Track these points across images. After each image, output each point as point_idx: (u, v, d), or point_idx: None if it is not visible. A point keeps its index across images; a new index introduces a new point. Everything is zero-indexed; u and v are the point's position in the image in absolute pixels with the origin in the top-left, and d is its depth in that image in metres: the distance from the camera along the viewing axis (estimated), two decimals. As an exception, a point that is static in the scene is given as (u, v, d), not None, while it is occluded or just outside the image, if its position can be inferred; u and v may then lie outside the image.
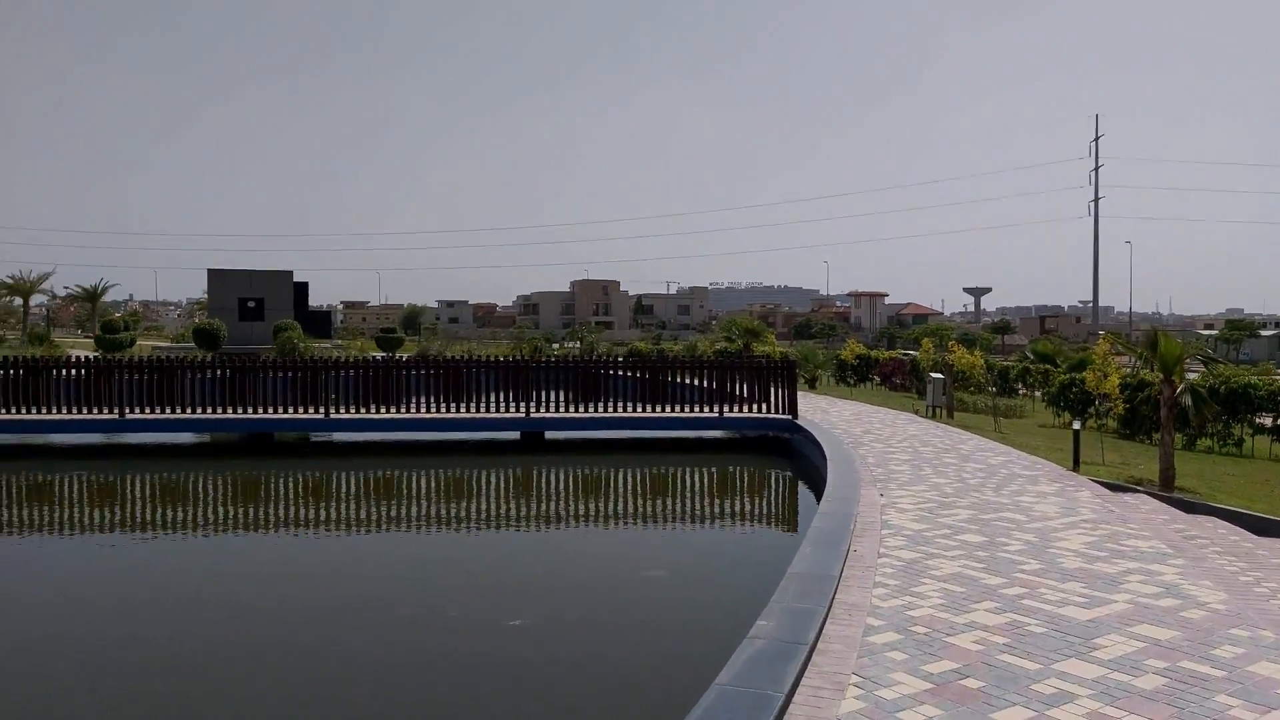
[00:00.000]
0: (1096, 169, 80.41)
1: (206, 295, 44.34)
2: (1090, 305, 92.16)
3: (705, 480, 16.25)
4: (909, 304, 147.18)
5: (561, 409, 17.94)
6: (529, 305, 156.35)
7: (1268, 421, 18.14)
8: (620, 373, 18.23)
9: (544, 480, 16.02)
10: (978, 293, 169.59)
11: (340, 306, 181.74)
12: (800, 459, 16.16)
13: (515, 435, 18.00)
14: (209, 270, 42.96)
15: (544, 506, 13.97)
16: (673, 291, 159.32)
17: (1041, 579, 6.82)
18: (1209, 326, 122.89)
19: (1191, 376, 14.29)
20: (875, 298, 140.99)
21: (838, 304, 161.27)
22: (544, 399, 18.06)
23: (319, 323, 45.73)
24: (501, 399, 17.90)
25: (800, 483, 14.90)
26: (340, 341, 60.39)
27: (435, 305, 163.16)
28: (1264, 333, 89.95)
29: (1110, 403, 14.89)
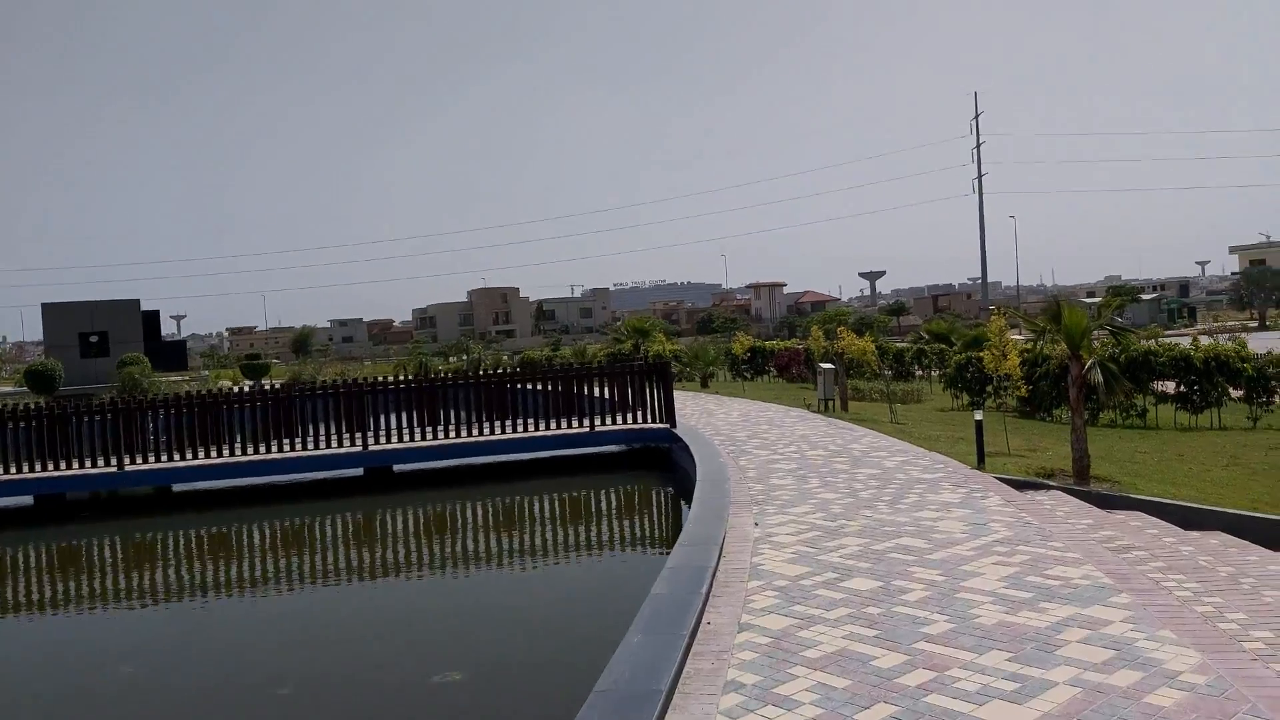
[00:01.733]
0: (978, 146, 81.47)
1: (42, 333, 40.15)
2: (980, 282, 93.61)
3: (566, 509, 14.20)
4: (806, 292, 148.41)
5: (406, 437, 15.62)
6: (425, 319, 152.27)
7: (1170, 389, 17.16)
8: (474, 393, 15.97)
9: (376, 523, 13.77)
10: (872, 276, 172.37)
11: (226, 334, 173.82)
12: (680, 473, 14.26)
13: (358, 471, 15.63)
14: (43, 305, 38.92)
15: (352, 558, 11.74)
16: (577, 295, 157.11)
17: (953, 649, 4.98)
18: (1091, 294, 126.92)
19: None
20: (774, 288, 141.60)
21: (738, 296, 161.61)
22: (388, 426, 15.76)
23: (172, 354, 41.96)
24: (338, 431, 15.49)
25: (682, 501, 13.02)
26: (204, 373, 56.35)
27: (328, 325, 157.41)
28: (1144, 297, 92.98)
29: (1012, 384, 13.41)
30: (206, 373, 56.21)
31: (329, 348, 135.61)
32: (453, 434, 15.52)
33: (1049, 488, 10.31)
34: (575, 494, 14.95)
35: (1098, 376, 10.86)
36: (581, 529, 12.88)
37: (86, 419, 14.89)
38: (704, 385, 27.95)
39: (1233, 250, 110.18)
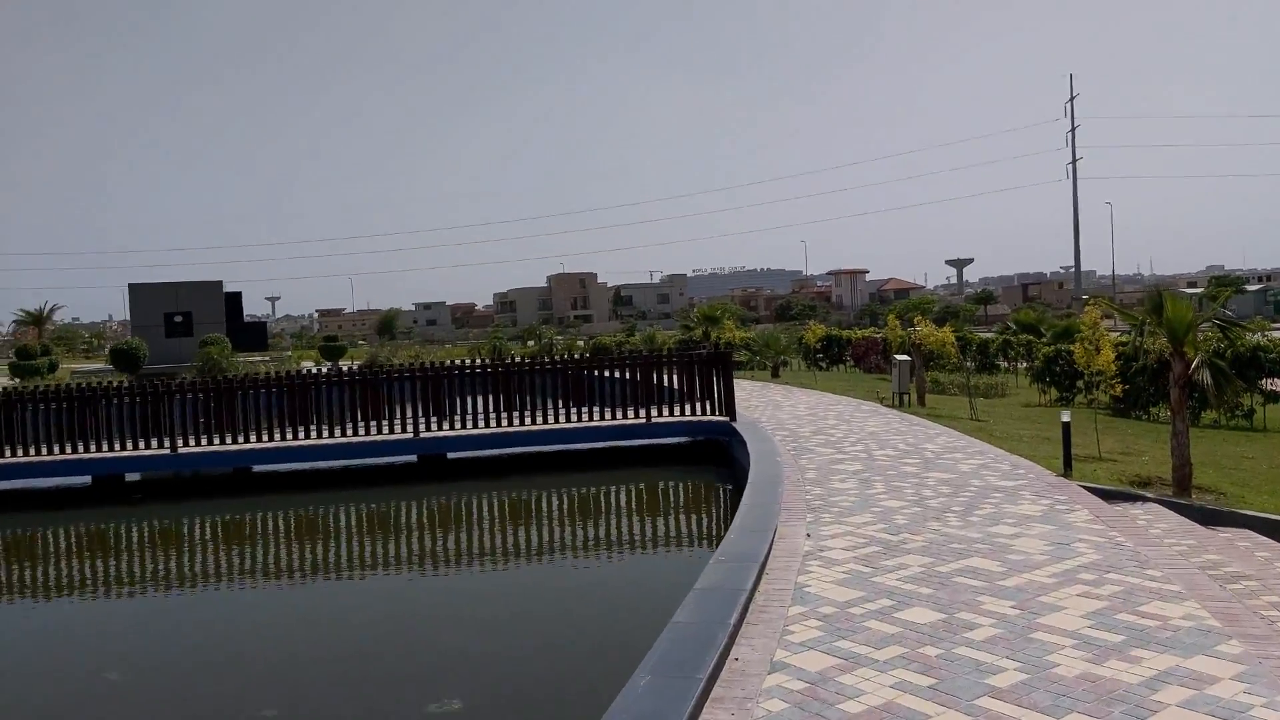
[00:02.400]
0: (1073, 130, 77.63)
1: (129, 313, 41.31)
2: (1072, 270, 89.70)
3: (609, 505, 13.54)
4: (890, 279, 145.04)
5: (468, 424, 15.18)
6: (506, 303, 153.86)
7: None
8: (540, 379, 15.48)
9: (408, 515, 13.37)
10: (959, 264, 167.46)
11: (316, 315, 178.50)
12: (739, 469, 13.47)
13: (412, 458, 15.25)
14: (129, 285, 40.01)
15: (385, 550, 11.29)
16: (656, 280, 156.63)
17: (1023, 709, 4.15)
18: (1192, 285, 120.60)
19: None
20: (856, 275, 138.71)
21: (818, 284, 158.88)
22: (457, 412, 15.37)
23: (254, 335, 42.73)
24: (389, 416, 15.14)
25: (737, 501, 12.26)
26: (286, 353, 57.47)
27: (412, 308, 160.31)
28: (1249, 288, 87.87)
29: (1105, 381, 12.25)
30: (290, 353, 57.38)
31: (412, 330, 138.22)
32: (509, 422, 15.04)
33: (1145, 499, 9.24)
34: (623, 489, 14.31)
35: (1206, 376, 9.70)
36: (625, 528, 12.23)
37: (125, 401, 14.85)
38: (775, 375, 27.01)
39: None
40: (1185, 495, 9.55)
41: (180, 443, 14.60)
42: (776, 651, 4.99)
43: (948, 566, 6.49)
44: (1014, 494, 8.87)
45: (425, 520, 13.21)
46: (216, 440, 14.85)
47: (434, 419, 15.06)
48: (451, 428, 14.98)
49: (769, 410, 17.31)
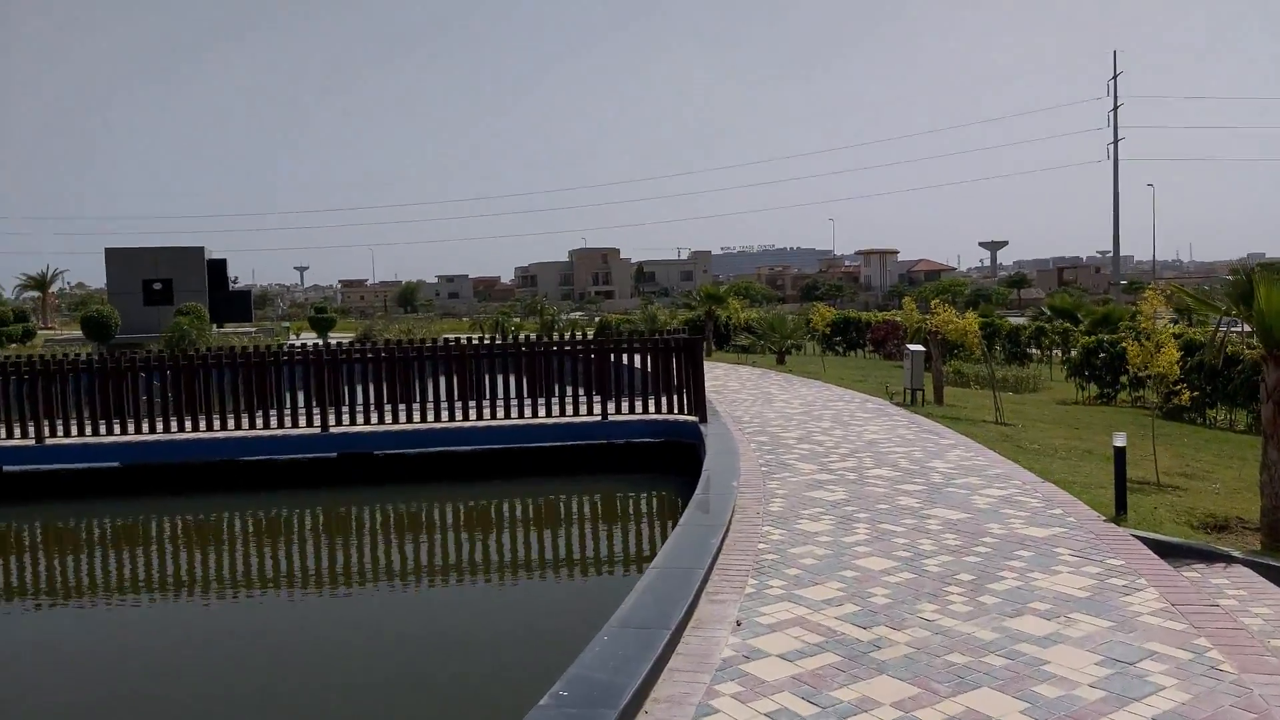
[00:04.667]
0: (1115, 109, 73.31)
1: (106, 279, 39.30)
2: (1109, 255, 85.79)
3: (543, 522, 11.16)
4: (921, 260, 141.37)
5: (387, 418, 12.77)
6: (527, 277, 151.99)
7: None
8: (490, 364, 12.94)
9: (289, 528, 11.00)
10: (993, 246, 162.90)
11: (339, 286, 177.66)
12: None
13: (331, 455, 12.89)
14: (107, 250, 37.90)
15: (256, 565, 8.95)
16: (683, 257, 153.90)
17: None
18: (1234, 271, 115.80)
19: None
20: (885, 255, 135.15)
21: (846, 263, 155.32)
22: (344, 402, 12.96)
23: (238, 305, 40.64)
24: (304, 406, 12.78)
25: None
26: (284, 324, 55.48)
27: (435, 281, 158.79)
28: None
29: (1163, 384, 9.62)
30: (287, 324, 55.40)
31: (433, 303, 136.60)
32: (435, 417, 12.63)
33: (1229, 559, 6.68)
34: (561, 500, 11.90)
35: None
36: (542, 551, 9.82)
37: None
38: (780, 361, 24.42)
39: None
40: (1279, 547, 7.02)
41: (49, 431, 12.34)
42: None
43: (942, 705, 4.00)
44: (1048, 551, 6.33)
45: (303, 533, 10.91)
46: (103, 430, 12.57)
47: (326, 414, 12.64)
48: (354, 422, 12.59)
49: (758, 405, 14.79)
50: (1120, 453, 7.32)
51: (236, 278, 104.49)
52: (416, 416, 12.74)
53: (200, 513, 11.76)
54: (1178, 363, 9.31)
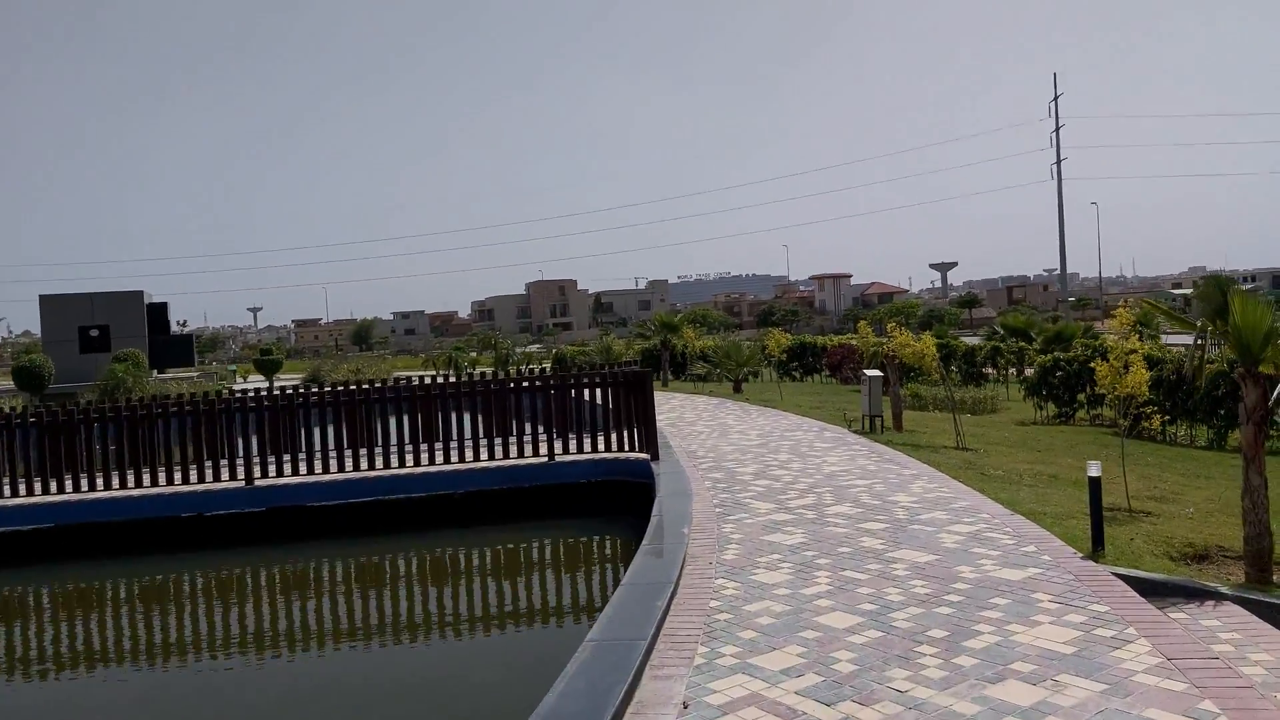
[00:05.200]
0: (1057, 129, 74.63)
1: (40, 328, 37.81)
2: (1056, 273, 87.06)
3: (485, 578, 10.44)
4: (873, 283, 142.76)
5: (320, 468, 11.95)
6: (484, 311, 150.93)
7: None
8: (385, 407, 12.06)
9: (187, 589, 10.14)
10: (943, 268, 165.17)
11: (292, 326, 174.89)
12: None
13: (260, 509, 12.00)
14: (40, 297, 36.49)
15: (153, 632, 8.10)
16: (641, 287, 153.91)
17: None
18: (1177, 286, 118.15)
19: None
20: (838, 279, 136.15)
21: (801, 289, 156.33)
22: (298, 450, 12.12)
23: (179, 349, 39.30)
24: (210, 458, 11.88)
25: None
26: (230, 367, 54.05)
27: (390, 317, 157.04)
28: (1244, 287, 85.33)
29: (1135, 407, 9.22)
30: (233, 366, 53.92)
31: (388, 339, 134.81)
32: (369, 465, 11.84)
33: (1218, 597, 6.18)
34: (504, 551, 11.17)
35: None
36: (478, 615, 9.10)
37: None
38: (737, 389, 23.93)
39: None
40: (1266, 578, 6.56)
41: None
42: None
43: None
44: (1026, 598, 5.78)
45: (203, 596, 10.06)
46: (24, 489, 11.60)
47: (280, 460, 11.82)
48: (295, 471, 11.75)
49: (714, 438, 14.21)
50: (1095, 483, 6.82)
51: (185, 321, 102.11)
52: (346, 465, 11.94)
53: (93, 579, 10.81)
54: (1147, 382, 8.89)
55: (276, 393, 12.29)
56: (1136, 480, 10.34)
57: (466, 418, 12.24)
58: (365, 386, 12.13)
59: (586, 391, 12.60)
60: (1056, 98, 73.45)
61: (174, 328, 43.97)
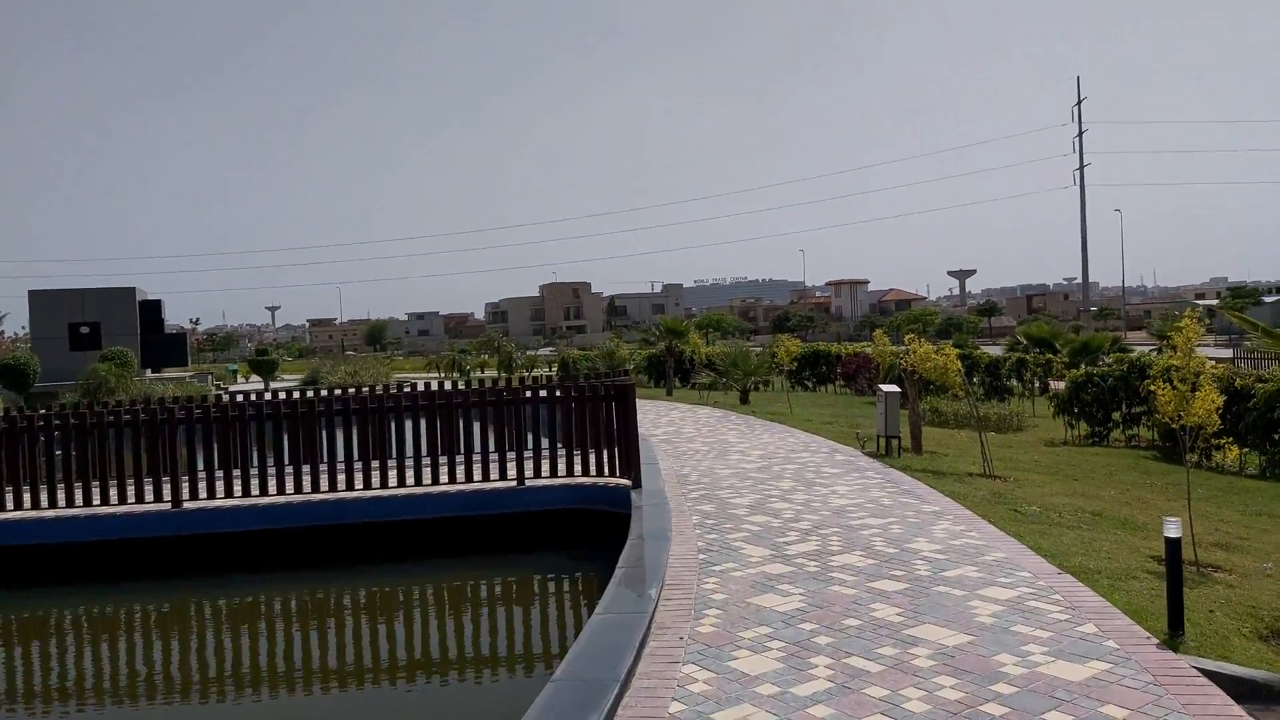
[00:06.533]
0: (1080, 135, 72.73)
1: (29, 323, 36.79)
2: (1078, 282, 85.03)
3: (429, 626, 9.02)
4: (891, 290, 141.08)
5: (258, 488, 10.57)
6: (497, 313, 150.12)
7: None
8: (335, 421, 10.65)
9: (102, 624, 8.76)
10: (962, 275, 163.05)
11: (307, 325, 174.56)
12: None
13: (186, 534, 10.62)
14: (30, 292, 35.40)
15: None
16: (657, 290, 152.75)
17: None
18: (1200, 296, 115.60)
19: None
20: (855, 285, 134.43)
21: (817, 294, 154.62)
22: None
23: (173, 348, 38.14)
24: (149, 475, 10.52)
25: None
26: (230, 367, 52.98)
27: (404, 318, 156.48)
28: (1267, 299, 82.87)
29: (1205, 438, 7.73)
30: (234, 367, 52.81)
31: (401, 340, 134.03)
32: (313, 488, 10.44)
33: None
34: (461, 591, 9.76)
35: None
36: (418, 682, 7.69)
37: None
38: (744, 400, 22.44)
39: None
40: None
41: None
42: None
43: None
44: (1093, 712, 4.31)
45: (139, 633, 8.70)
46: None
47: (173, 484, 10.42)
48: (230, 493, 10.36)
49: (710, 459, 12.76)
50: (1174, 547, 5.33)
51: (198, 319, 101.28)
52: (287, 487, 10.54)
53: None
54: (1218, 410, 7.39)
55: (214, 402, 10.91)
56: (1199, 522, 8.85)
57: (424, 434, 10.79)
58: (309, 396, 10.72)
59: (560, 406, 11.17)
60: (1080, 102, 71.63)
61: (186, 326, 42.95)
